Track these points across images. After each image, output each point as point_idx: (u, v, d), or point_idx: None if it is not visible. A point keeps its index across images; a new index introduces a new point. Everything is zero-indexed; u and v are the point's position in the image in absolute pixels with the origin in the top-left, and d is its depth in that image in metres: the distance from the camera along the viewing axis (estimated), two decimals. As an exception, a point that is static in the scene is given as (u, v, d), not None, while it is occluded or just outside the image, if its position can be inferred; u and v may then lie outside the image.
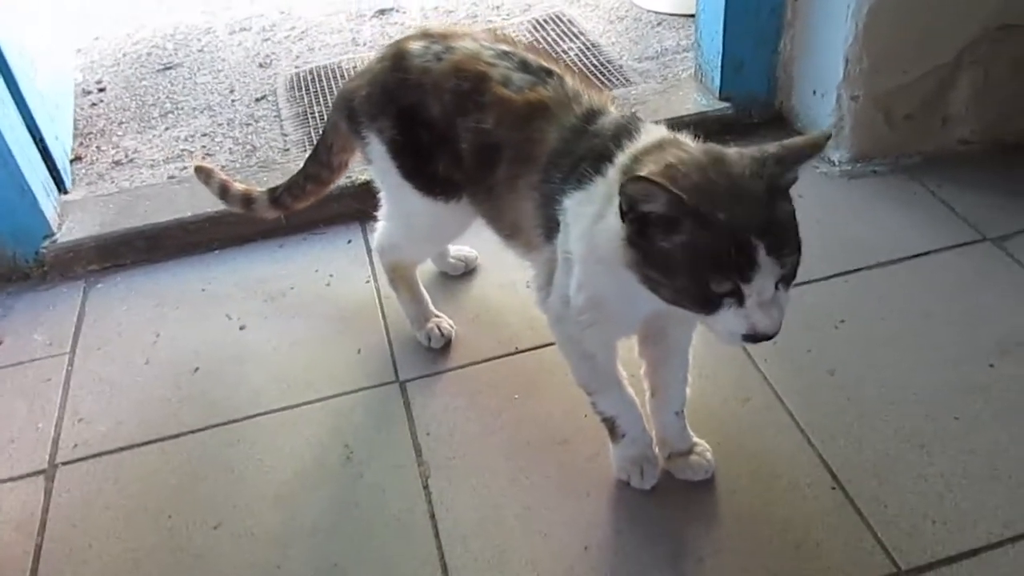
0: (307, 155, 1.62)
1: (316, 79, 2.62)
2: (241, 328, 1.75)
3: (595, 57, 2.59)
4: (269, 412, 1.55)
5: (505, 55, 1.28)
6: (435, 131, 1.33)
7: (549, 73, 1.24)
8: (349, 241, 1.96)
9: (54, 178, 2.05)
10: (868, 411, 1.44)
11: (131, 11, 3.20)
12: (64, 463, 1.50)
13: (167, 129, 2.44)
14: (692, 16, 2.30)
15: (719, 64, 2.13)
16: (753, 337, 0.98)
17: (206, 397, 1.60)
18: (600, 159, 1.10)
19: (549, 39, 2.72)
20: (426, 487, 1.39)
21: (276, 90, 2.59)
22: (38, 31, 2.43)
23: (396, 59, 1.35)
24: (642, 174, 0.97)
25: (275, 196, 1.65)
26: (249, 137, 2.36)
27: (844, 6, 1.84)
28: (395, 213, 1.53)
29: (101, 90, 2.69)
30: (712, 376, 1.52)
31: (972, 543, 1.23)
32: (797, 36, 2.05)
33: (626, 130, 1.12)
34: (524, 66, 1.26)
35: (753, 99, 2.16)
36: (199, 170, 1.69)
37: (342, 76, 2.60)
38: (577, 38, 2.71)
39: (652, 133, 1.11)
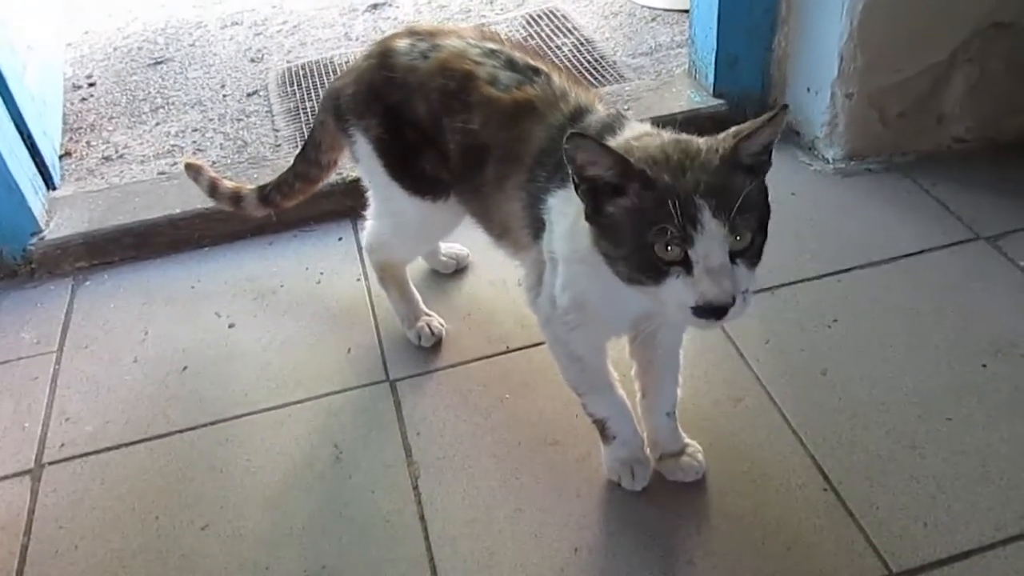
0: (296, 153, 1.60)
1: (308, 74, 2.60)
2: (230, 326, 1.74)
3: (589, 53, 2.58)
4: (258, 411, 1.54)
5: (492, 53, 1.27)
6: (421, 130, 1.32)
7: (536, 71, 1.23)
8: (340, 239, 1.95)
9: (42, 174, 2.03)
10: (860, 411, 1.44)
11: (122, 5, 3.18)
12: (51, 463, 1.48)
13: (157, 124, 2.42)
14: (686, 12, 2.29)
15: (713, 61, 2.12)
16: (703, 311, 0.94)
17: (194, 396, 1.58)
18: None
19: (543, 34, 2.70)
20: (416, 488, 1.38)
21: (267, 85, 2.57)
22: (27, 25, 2.40)
23: (382, 57, 1.34)
24: (577, 131, 0.97)
25: (264, 194, 1.64)
26: (240, 133, 2.35)
27: (839, 3, 1.83)
28: (383, 212, 1.52)
29: (91, 85, 2.67)
30: (704, 376, 1.51)
31: (964, 545, 1.23)
32: (791, 33, 2.04)
33: (610, 127, 1.12)
34: (511, 64, 1.25)
35: (747, 96, 2.15)
36: (189, 167, 1.67)
37: (334, 71, 2.58)
38: (571, 33, 2.70)
39: (635, 128, 1.11)
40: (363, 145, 1.39)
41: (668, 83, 2.29)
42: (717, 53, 2.10)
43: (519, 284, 1.53)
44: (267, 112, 2.43)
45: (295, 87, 2.54)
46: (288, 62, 2.69)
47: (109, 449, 1.50)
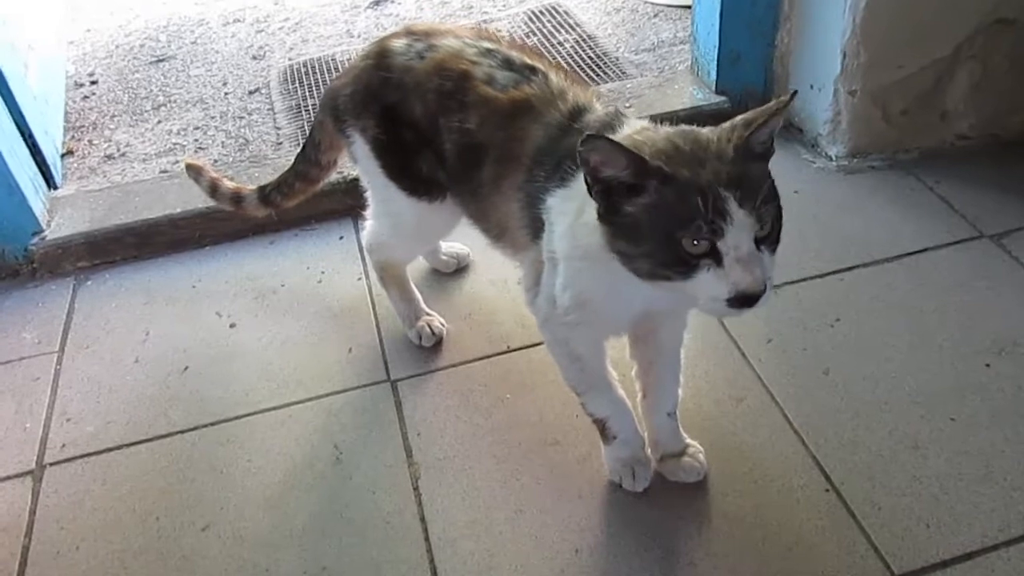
0: (297, 152, 1.60)
1: (310, 71, 2.60)
2: (231, 326, 1.74)
3: (591, 49, 2.57)
4: (259, 412, 1.54)
5: (488, 53, 1.26)
6: (418, 131, 1.31)
7: (533, 70, 1.23)
8: (341, 237, 1.94)
9: (43, 173, 2.03)
10: (863, 411, 1.43)
11: (124, 2, 3.18)
12: (52, 463, 1.48)
13: (159, 122, 2.42)
14: (689, 8, 2.28)
15: (715, 57, 2.11)
16: (739, 300, 0.93)
17: (195, 396, 1.58)
18: None
19: (544, 31, 2.69)
20: (416, 488, 1.38)
21: (269, 83, 2.57)
22: (29, 23, 2.40)
23: (379, 57, 1.34)
24: (593, 133, 0.95)
25: (265, 194, 1.64)
26: (242, 130, 2.34)
27: (841, 0, 1.82)
28: (381, 212, 1.51)
29: (93, 83, 2.67)
30: (705, 376, 1.50)
31: (966, 546, 1.22)
32: (794, 30, 2.03)
33: (608, 125, 1.11)
34: (508, 64, 1.24)
35: (749, 93, 2.14)
36: (189, 167, 1.67)
37: (336, 68, 2.57)
38: (573, 30, 2.68)
39: (633, 125, 1.10)
40: (361, 145, 1.39)
41: (671, 80, 2.27)
42: (720, 49, 2.09)
43: (519, 283, 1.53)
44: (269, 110, 2.43)
45: (297, 85, 2.53)
46: (290, 59, 2.69)
47: (110, 450, 1.50)
